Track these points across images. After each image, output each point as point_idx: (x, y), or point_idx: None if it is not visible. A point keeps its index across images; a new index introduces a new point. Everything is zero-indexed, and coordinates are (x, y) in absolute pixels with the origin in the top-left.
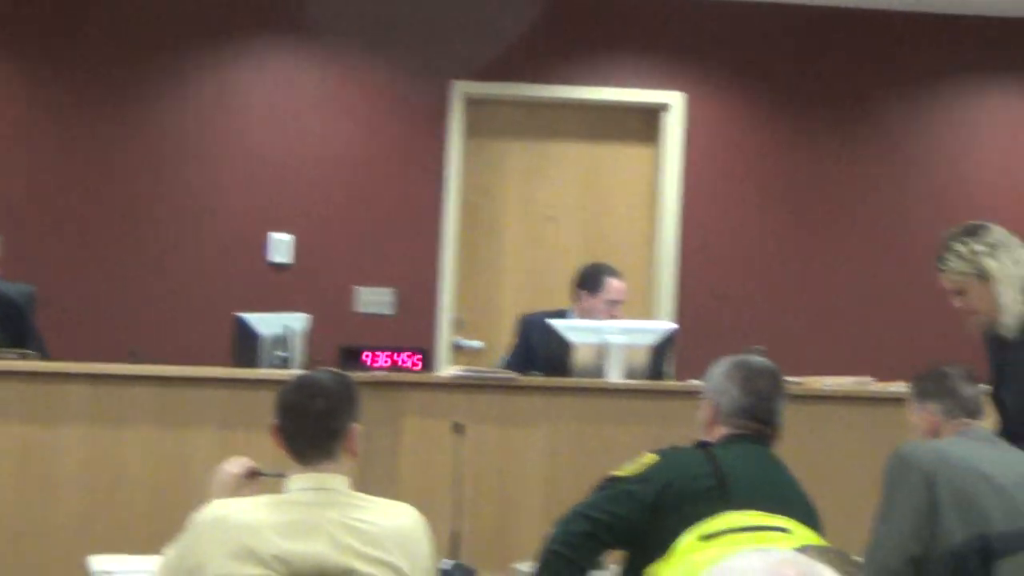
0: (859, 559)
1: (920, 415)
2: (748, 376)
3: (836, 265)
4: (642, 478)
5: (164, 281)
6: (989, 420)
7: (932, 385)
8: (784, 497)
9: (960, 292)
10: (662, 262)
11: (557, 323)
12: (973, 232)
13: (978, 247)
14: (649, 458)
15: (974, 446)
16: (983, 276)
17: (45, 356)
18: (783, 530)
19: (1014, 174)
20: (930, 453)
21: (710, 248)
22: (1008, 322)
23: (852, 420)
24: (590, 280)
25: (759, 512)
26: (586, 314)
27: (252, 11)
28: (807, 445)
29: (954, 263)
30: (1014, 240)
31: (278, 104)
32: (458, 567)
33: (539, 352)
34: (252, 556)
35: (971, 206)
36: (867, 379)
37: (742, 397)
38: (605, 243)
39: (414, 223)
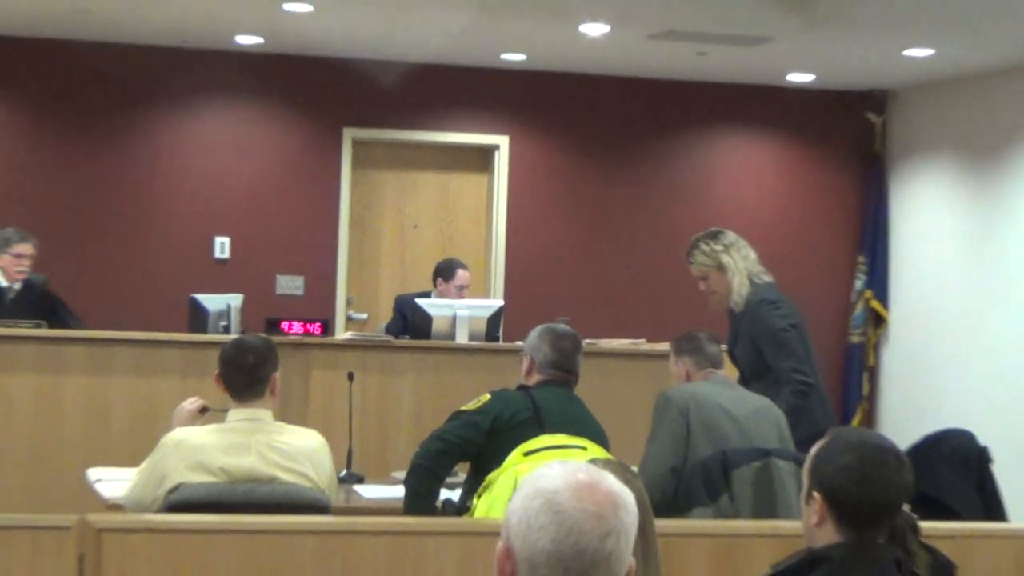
0: (634, 469)
1: (677, 366)
2: (555, 338)
3: (618, 260)
4: (480, 411)
5: (137, 270)
6: (727, 370)
7: (686, 344)
8: (582, 425)
9: (704, 278)
10: (496, 258)
11: (421, 301)
12: (714, 236)
13: (717, 246)
14: (485, 397)
15: (717, 388)
16: (721, 267)
17: (82, 325)
18: (582, 448)
19: (738, 197)
20: (684, 393)
21: (529, 248)
22: (737, 300)
23: (629, 370)
24: (445, 271)
25: (564, 435)
26: (442, 295)
27: (199, 77)
28: (598, 389)
29: (700, 257)
30: (742, 241)
31: (219, 143)
32: (351, 475)
33: (409, 322)
34: (203, 468)
35: (710, 218)
36: (640, 341)
37: (551, 353)
38: (453, 244)
39: (318, 229)
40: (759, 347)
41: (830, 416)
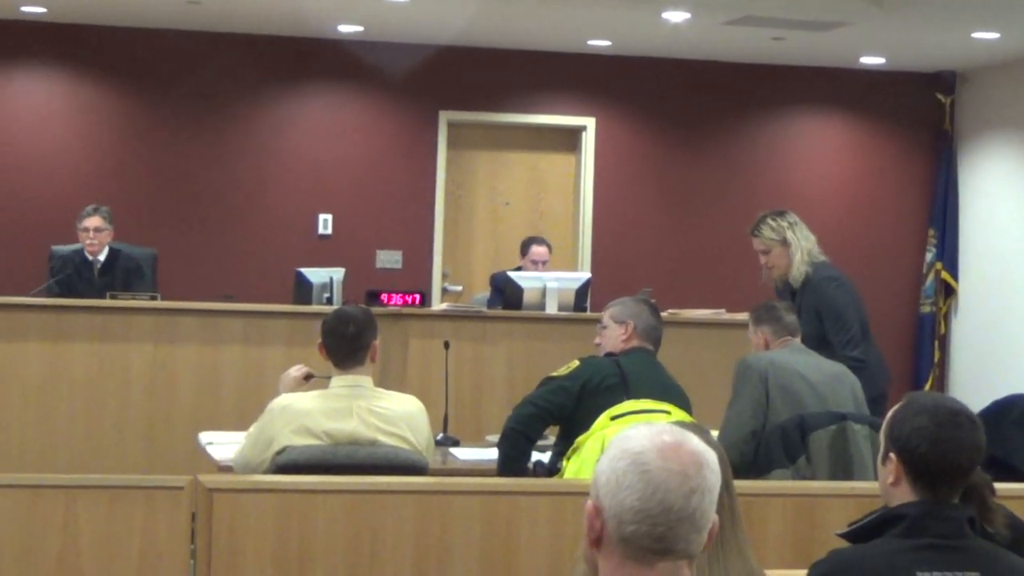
0: (715, 432)
1: (756, 335)
2: (652, 307)
3: (698, 234)
4: (570, 377)
5: (246, 246)
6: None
7: (764, 314)
8: (666, 390)
9: (766, 252)
10: (583, 233)
11: (513, 274)
12: (780, 214)
13: (783, 223)
14: (575, 364)
15: (794, 355)
16: (784, 243)
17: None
18: (665, 412)
19: (813, 175)
20: (764, 360)
21: (614, 223)
22: (796, 276)
23: (708, 339)
24: (524, 246)
25: (649, 400)
26: (524, 269)
27: (303, 65)
28: (679, 357)
29: (767, 232)
30: (804, 224)
31: (322, 127)
32: (447, 438)
33: (502, 295)
34: (308, 432)
35: (786, 196)
36: (720, 311)
37: (652, 320)
38: (543, 220)
39: (415, 206)
40: (822, 320)
41: (887, 382)
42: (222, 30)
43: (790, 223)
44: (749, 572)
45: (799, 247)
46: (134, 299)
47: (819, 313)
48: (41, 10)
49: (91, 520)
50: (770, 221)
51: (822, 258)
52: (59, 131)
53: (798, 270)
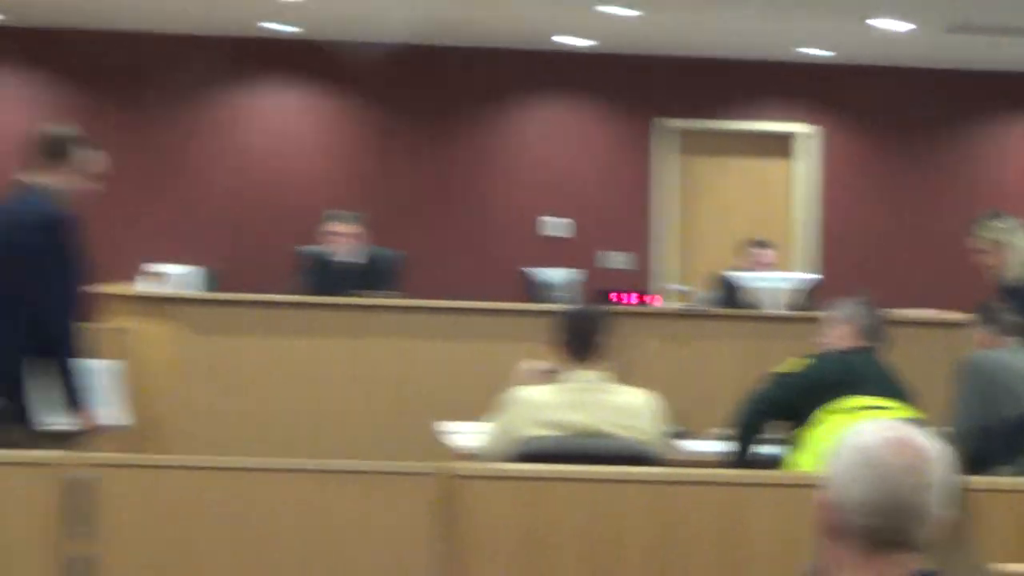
0: (935, 429)
1: (979, 335)
2: (872, 308)
3: (922, 237)
4: (796, 374)
5: (481, 248)
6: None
7: (987, 315)
8: (890, 387)
9: (982, 251)
10: (803, 235)
11: (741, 275)
12: (998, 215)
13: (1001, 224)
14: (802, 360)
15: (1016, 355)
16: (1000, 244)
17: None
18: (889, 408)
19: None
20: (988, 359)
21: (839, 226)
22: (1013, 277)
23: (927, 338)
24: (747, 249)
25: (874, 396)
26: (747, 270)
27: (529, 75)
28: (899, 355)
29: (984, 232)
30: (1020, 225)
31: (550, 134)
32: (677, 430)
33: (729, 294)
34: (545, 423)
35: (1002, 200)
36: (942, 312)
37: (873, 320)
38: (763, 224)
39: (642, 211)
40: None
41: None
42: (450, 43)
43: (1008, 226)
44: (975, 565)
45: (1016, 249)
46: (382, 297)
47: None
48: (292, 28)
49: (344, 505)
50: (987, 222)
51: None
52: (308, 142)
53: (1012, 271)
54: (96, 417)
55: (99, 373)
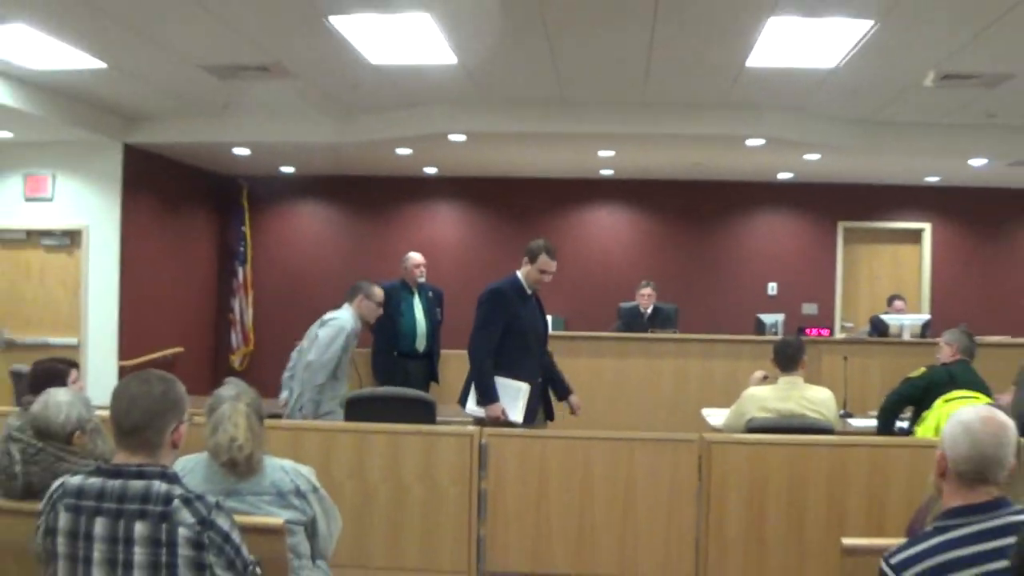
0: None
1: None
2: (969, 334)
3: (995, 293)
4: (920, 377)
5: (729, 303)
6: None
7: None
8: (978, 385)
9: None
10: (923, 291)
11: (884, 316)
12: None
13: None
14: (922, 369)
15: None
16: None
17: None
18: (977, 398)
19: None
20: None
21: (944, 285)
22: None
23: (1004, 354)
24: (889, 301)
25: (967, 391)
26: (888, 314)
27: (758, 197)
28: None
29: None
30: None
31: (769, 233)
32: (846, 412)
33: (877, 329)
34: (765, 409)
35: None
36: (1009, 337)
37: (967, 342)
38: (900, 285)
39: (825, 278)
40: None
41: None
42: (705, 178)
43: None
44: None
45: None
46: (666, 335)
47: None
48: (609, 172)
49: (644, 461)
50: None
51: None
52: (624, 242)
53: None
54: (499, 412)
55: (506, 387)
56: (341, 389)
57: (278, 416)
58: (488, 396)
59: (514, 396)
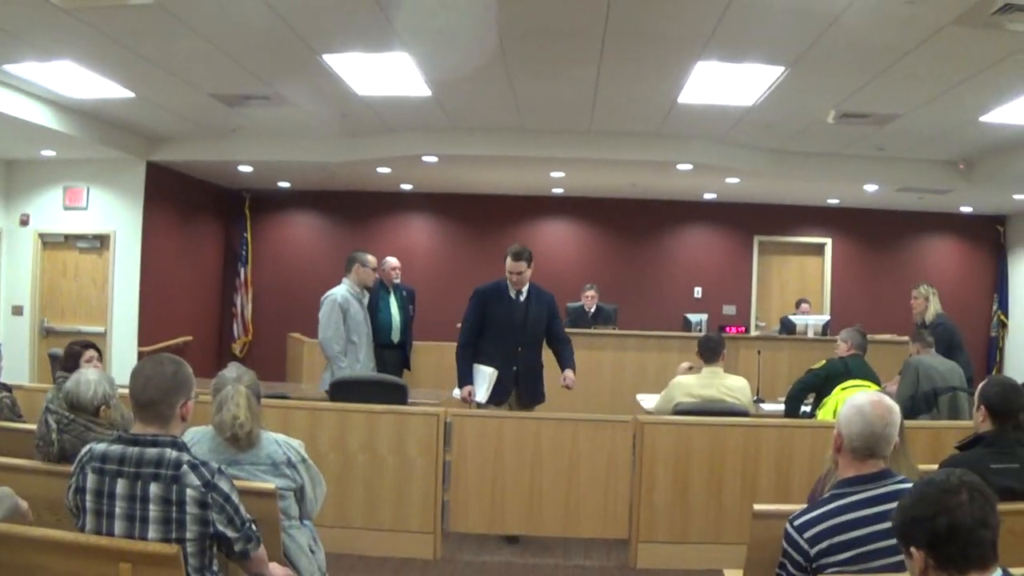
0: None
1: (913, 347)
2: (862, 333)
3: (886, 295)
4: (820, 368)
5: (660, 304)
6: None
7: (917, 336)
8: (869, 375)
9: (915, 299)
10: (826, 297)
11: (792, 317)
12: (927, 284)
13: (926, 288)
14: (822, 361)
15: (930, 358)
16: (926, 298)
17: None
18: (868, 386)
19: (937, 270)
20: (915, 360)
21: (843, 292)
22: (929, 316)
23: (890, 350)
24: (797, 304)
25: (861, 380)
26: (796, 315)
27: (686, 214)
28: (874, 358)
29: (919, 291)
30: (936, 291)
31: (694, 246)
32: (759, 399)
33: (786, 328)
34: (690, 394)
35: (926, 276)
36: (895, 335)
37: (858, 339)
38: (806, 291)
39: (740, 283)
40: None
41: (973, 372)
42: (643, 197)
43: (930, 290)
44: (911, 466)
45: (932, 302)
46: (607, 331)
47: (948, 344)
48: (559, 190)
49: (586, 438)
50: (921, 288)
51: (942, 311)
52: (571, 250)
53: (931, 314)
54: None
55: (479, 371)
56: (360, 352)
57: (271, 396)
58: (460, 380)
59: (482, 379)
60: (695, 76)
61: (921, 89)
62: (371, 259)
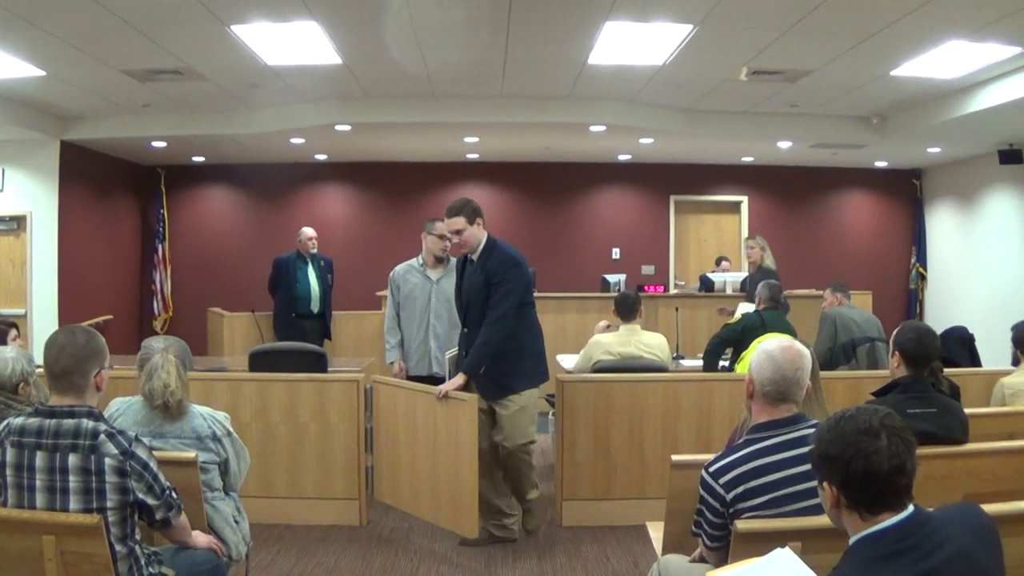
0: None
1: (831, 297)
2: (773, 285)
3: (799, 252)
4: (738, 323)
5: (577, 265)
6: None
7: (836, 287)
8: (785, 327)
9: (751, 250)
10: (743, 254)
11: (710, 274)
12: (756, 235)
13: (760, 240)
14: (739, 317)
15: (848, 309)
16: (763, 248)
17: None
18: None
19: (855, 225)
20: (834, 311)
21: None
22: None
23: (806, 303)
24: (717, 262)
25: (776, 333)
26: (715, 272)
27: (603, 175)
28: (792, 312)
29: (753, 241)
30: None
31: (610, 205)
32: (678, 355)
33: (705, 286)
34: (608, 352)
35: (836, 234)
36: (810, 290)
37: (770, 293)
38: (723, 248)
39: (661, 244)
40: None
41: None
42: (560, 160)
43: (763, 242)
44: (824, 411)
45: (767, 254)
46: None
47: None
48: (475, 156)
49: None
50: (757, 238)
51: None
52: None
53: (767, 263)
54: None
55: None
56: (404, 332)
57: (210, 370)
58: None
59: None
60: (604, 36)
61: (832, 44)
62: (440, 225)
